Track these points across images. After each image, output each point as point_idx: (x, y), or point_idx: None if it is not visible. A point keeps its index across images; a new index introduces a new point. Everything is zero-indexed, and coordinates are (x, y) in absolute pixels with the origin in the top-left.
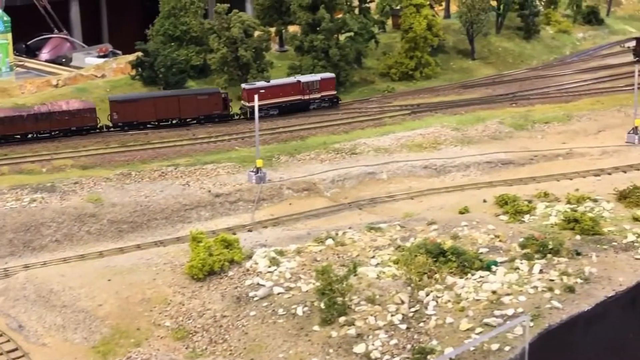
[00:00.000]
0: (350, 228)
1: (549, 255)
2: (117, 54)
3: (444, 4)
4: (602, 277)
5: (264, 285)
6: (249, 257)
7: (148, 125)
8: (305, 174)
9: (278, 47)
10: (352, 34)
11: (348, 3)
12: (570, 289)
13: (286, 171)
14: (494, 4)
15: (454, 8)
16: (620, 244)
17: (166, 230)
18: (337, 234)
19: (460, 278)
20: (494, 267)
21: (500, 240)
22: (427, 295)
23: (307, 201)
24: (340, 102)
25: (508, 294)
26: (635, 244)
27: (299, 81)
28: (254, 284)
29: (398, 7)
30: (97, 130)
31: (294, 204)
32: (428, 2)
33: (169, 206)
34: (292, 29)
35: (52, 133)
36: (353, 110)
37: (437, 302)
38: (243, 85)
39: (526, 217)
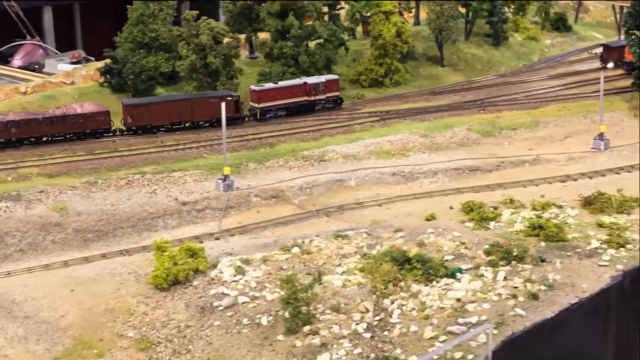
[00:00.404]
0: (317, 236)
1: (513, 262)
2: (90, 60)
3: (413, 11)
4: (565, 284)
5: (228, 295)
6: (214, 266)
7: (161, 129)
8: (273, 182)
9: (248, 54)
10: (321, 40)
11: (317, 10)
12: (534, 296)
13: (254, 179)
14: (463, 11)
15: (423, 15)
16: (584, 250)
17: (132, 239)
18: (303, 242)
19: (425, 286)
20: (458, 275)
21: (465, 248)
22: (392, 303)
23: (275, 209)
24: (343, 102)
25: (472, 302)
26: (599, 250)
27: (305, 83)
28: (218, 293)
29: (368, 14)
30: (111, 134)
31: (262, 212)
32: (397, 10)
33: (135, 214)
34: (263, 35)
35: (67, 136)
36: (322, 117)
37: (401, 310)
38: (252, 87)
39: (492, 224)
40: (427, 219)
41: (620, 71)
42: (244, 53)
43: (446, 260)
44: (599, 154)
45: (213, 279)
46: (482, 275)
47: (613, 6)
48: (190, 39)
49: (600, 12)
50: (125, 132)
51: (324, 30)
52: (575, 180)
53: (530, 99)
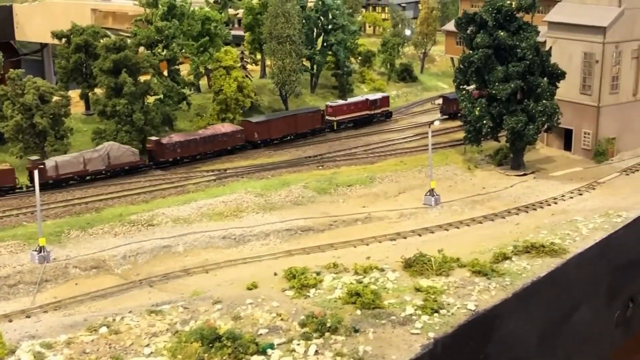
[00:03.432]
0: (130, 312)
1: (327, 334)
2: None
3: (260, 63)
4: (376, 356)
5: None
6: (13, 351)
7: (275, 141)
8: (95, 250)
9: (85, 111)
10: (160, 96)
11: (154, 66)
12: None
13: (75, 248)
14: (308, 64)
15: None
16: (399, 317)
17: None
18: (114, 320)
19: None
20: (269, 351)
21: (281, 319)
22: None
23: (96, 280)
24: (392, 115)
25: None
26: (413, 317)
27: (367, 99)
28: None
29: (211, 68)
30: (244, 148)
31: (81, 284)
32: (240, 64)
33: None
34: (101, 91)
35: (214, 153)
36: (157, 177)
37: None
38: (328, 104)
39: (312, 292)
40: (249, 288)
41: (458, 123)
42: (81, 109)
43: (260, 334)
44: (430, 210)
45: None
46: (293, 350)
47: (452, 58)
48: (16, 98)
49: (446, 62)
50: (251, 147)
51: (159, 87)
52: (405, 238)
53: (369, 153)
